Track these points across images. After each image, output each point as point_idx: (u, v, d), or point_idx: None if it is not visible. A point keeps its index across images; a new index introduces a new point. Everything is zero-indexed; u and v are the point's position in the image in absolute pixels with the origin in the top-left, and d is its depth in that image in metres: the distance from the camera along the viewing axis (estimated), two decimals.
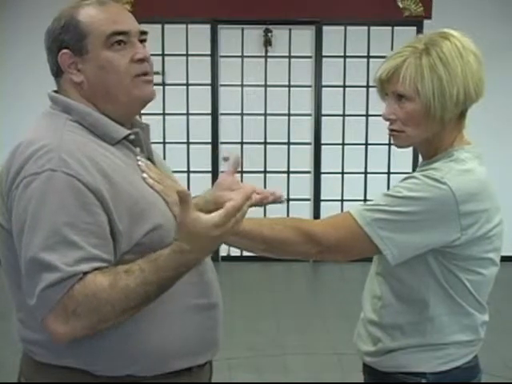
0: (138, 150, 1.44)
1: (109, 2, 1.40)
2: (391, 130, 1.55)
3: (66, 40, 1.36)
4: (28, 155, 1.27)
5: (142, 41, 1.41)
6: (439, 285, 1.48)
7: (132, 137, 1.41)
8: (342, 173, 6.13)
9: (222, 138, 6.07)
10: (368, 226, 1.43)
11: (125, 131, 1.40)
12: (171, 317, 1.37)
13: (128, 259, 1.29)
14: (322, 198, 6.13)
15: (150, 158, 1.47)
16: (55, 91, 1.44)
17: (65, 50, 1.36)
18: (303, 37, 5.98)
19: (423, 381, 1.52)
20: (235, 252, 5.72)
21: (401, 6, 5.85)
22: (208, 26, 5.89)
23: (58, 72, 1.41)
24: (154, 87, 1.43)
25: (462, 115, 1.52)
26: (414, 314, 1.52)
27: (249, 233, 1.47)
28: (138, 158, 1.41)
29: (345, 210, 5.64)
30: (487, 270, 1.51)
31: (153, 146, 1.53)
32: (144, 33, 1.41)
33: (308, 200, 6.16)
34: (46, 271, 1.21)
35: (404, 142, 1.55)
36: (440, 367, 1.52)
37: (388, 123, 1.55)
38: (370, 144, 6.08)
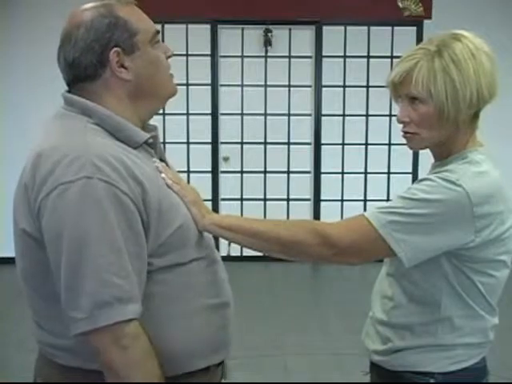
0: (153, 151, 1.45)
1: (133, 3, 1.42)
2: (405, 133, 1.54)
3: (115, 38, 1.34)
4: (56, 160, 1.24)
5: None
6: (452, 287, 1.48)
7: (151, 140, 1.42)
8: (342, 173, 6.13)
9: (221, 138, 6.07)
10: (383, 228, 1.42)
11: (145, 134, 1.40)
12: (189, 318, 1.38)
13: (151, 263, 1.32)
14: (322, 198, 6.13)
15: (162, 159, 1.49)
16: (68, 91, 1.41)
17: (116, 48, 1.34)
18: (303, 37, 5.98)
19: (432, 381, 1.52)
20: (235, 252, 5.73)
21: (401, 5, 5.85)
22: (208, 26, 5.89)
23: (94, 73, 1.35)
24: None
25: (475, 116, 1.52)
26: (426, 315, 1.51)
27: (264, 233, 1.47)
28: (154, 159, 1.42)
29: (345, 209, 5.61)
30: (499, 272, 1.51)
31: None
32: None
33: (308, 200, 6.16)
34: (119, 302, 1.23)
35: (418, 144, 1.55)
36: (449, 367, 1.52)
37: (402, 126, 1.55)
38: (370, 144, 6.08)
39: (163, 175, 1.39)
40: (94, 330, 1.22)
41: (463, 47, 1.46)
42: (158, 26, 5.73)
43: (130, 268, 1.24)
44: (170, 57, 1.45)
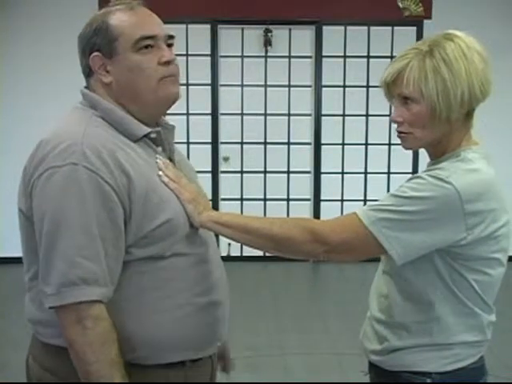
0: (159, 149, 1.49)
1: (138, 7, 1.46)
2: (399, 132, 1.55)
3: (98, 43, 1.42)
4: (51, 146, 1.34)
5: (169, 45, 1.47)
6: (445, 285, 1.48)
7: (153, 135, 1.47)
8: (342, 173, 6.13)
9: (222, 138, 6.07)
10: (373, 225, 1.43)
11: (146, 129, 1.45)
12: (171, 311, 1.42)
13: (131, 252, 1.38)
14: (322, 198, 6.13)
15: (170, 158, 1.52)
16: (86, 87, 1.50)
17: (96, 53, 1.42)
18: (303, 37, 5.98)
19: (428, 380, 1.52)
20: (235, 252, 5.73)
21: (401, 5, 5.85)
22: (208, 26, 5.89)
23: (89, 73, 1.47)
24: None
25: (469, 115, 1.52)
26: (421, 313, 1.52)
27: (258, 230, 1.49)
28: (157, 156, 1.47)
29: (345, 209, 5.62)
30: (494, 271, 1.51)
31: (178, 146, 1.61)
32: (171, 37, 1.48)
33: (308, 200, 6.16)
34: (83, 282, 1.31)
35: (412, 143, 1.55)
36: (446, 367, 1.52)
37: (396, 125, 1.55)
38: (370, 144, 6.09)
39: (160, 172, 1.43)
40: (60, 307, 1.32)
41: (455, 47, 1.46)
42: None
43: (101, 253, 1.32)
44: (166, 63, 1.43)
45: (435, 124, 1.49)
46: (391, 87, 1.53)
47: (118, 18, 1.42)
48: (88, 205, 1.30)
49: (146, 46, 1.42)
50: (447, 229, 1.42)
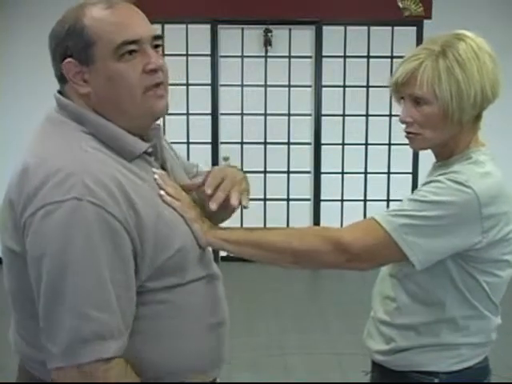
0: (152, 158, 1.35)
1: (118, 3, 1.25)
2: (408, 133, 1.54)
3: (71, 47, 1.22)
4: (44, 176, 1.15)
5: (157, 46, 1.27)
6: (456, 287, 1.48)
7: (150, 149, 1.32)
8: (342, 173, 6.13)
9: (222, 138, 6.07)
10: (394, 231, 1.41)
11: (143, 145, 1.29)
12: (185, 336, 1.33)
13: (149, 286, 1.25)
14: (322, 198, 6.13)
15: (163, 167, 1.38)
16: (60, 92, 1.31)
17: (69, 59, 1.23)
18: (303, 37, 5.98)
19: (436, 380, 1.53)
20: None
21: (401, 5, 5.85)
22: (208, 26, 5.88)
23: (62, 78, 1.27)
24: None
25: (478, 116, 1.52)
26: (430, 315, 1.52)
27: (274, 245, 1.44)
28: (154, 170, 1.32)
29: (345, 209, 5.57)
30: (504, 272, 1.51)
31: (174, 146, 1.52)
32: (157, 37, 1.27)
33: (308, 200, 6.15)
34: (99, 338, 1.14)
35: (421, 144, 1.54)
36: (453, 367, 1.53)
37: (405, 126, 1.54)
38: (370, 144, 6.08)
39: (162, 192, 1.29)
40: (67, 367, 1.14)
41: (467, 47, 1.46)
42: (158, 26, 5.73)
43: (114, 300, 1.16)
44: (152, 70, 1.24)
45: (447, 125, 1.48)
46: (401, 88, 1.52)
47: (94, 18, 1.21)
48: (96, 247, 1.13)
49: (130, 52, 1.21)
50: (465, 233, 1.42)
